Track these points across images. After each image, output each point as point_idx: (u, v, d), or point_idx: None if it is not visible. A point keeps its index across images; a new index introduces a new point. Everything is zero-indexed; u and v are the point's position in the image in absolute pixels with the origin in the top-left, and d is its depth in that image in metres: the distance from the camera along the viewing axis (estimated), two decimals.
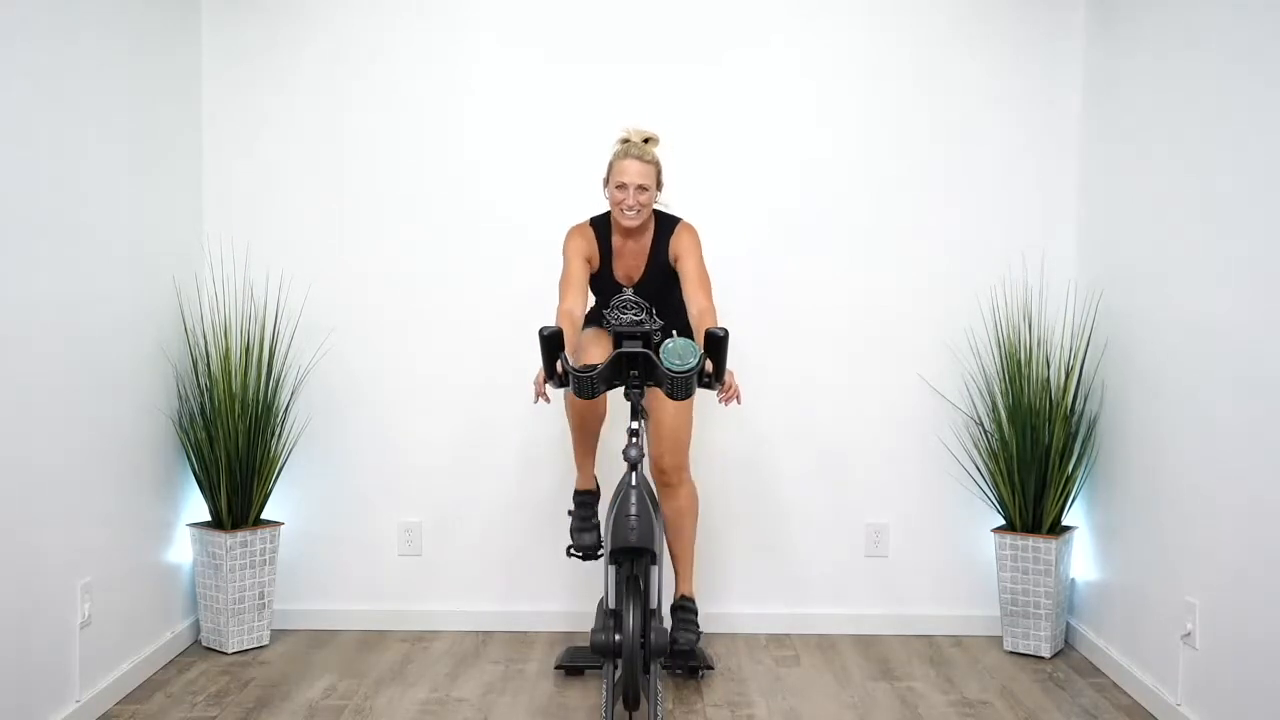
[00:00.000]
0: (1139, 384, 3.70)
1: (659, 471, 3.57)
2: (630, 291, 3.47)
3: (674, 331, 3.58)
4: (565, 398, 3.59)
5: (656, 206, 3.55)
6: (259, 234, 4.19)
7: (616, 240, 3.57)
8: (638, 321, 3.16)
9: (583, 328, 3.57)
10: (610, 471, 3.82)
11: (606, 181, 3.51)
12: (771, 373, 4.19)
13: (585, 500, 3.77)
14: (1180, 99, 3.46)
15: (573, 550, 3.75)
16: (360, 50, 4.19)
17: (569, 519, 3.80)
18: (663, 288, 3.58)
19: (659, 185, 3.51)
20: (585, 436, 3.67)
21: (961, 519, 4.27)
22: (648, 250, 3.57)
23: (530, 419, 4.20)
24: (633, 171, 3.43)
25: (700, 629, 3.71)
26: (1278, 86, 2.95)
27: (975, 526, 4.26)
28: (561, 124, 4.20)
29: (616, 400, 3.66)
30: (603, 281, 3.60)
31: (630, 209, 3.45)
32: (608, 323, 3.19)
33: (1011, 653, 4.05)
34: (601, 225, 3.59)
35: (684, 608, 3.68)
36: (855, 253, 4.24)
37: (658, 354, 3.13)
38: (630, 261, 3.59)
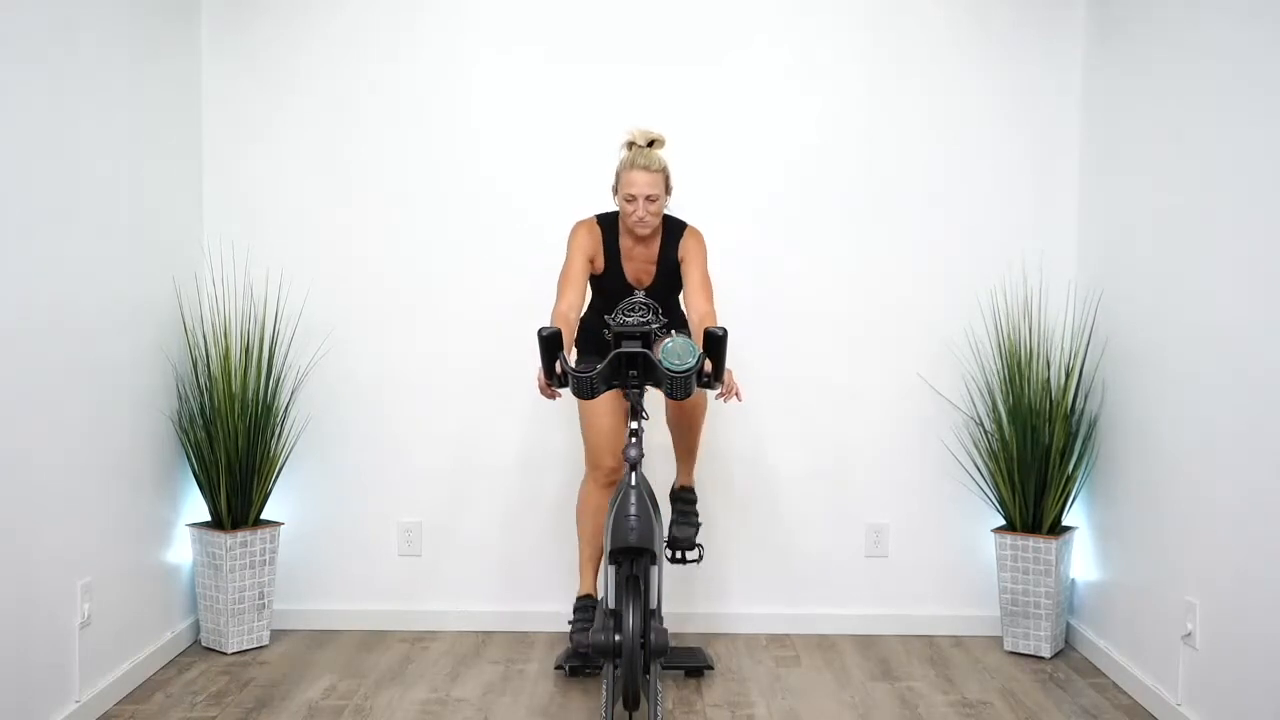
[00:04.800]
0: (1139, 384, 3.70)
1: (675, 405, 3.55)
2: (642, 294, 3.46)
3: (673, 331, 3.58)
4: (577, 503, 3.63)
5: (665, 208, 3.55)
6: (259, 234, 4.19)
7: (625, 242, 3.57)
8: (644, 322, 3.16)
9: (578, 332, 3.56)
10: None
11: (615, 190, 3.51)
12: (772, 373, 4.19)
13: (585, 605, 3.65)
14: (1180, 99, 3.46)
15: (570, 655, 3.67)
16: (361, 50, 4.20)
17: (571, 619, 3.72)
18: (671, 289, 3.60)
19: (668, 190, 3.50)
20: (592, 540, 3.61)
21: (961, 519, 4.27)
22: (657, 253, 3.57)
23: (530, 419, 4.21)
24: (641, 183, 3.42)
25: (700, 521, 3.82)
26: (1276, 87, 2.94)
27: (975, 526, 4.26)
28: (564, 125, 4.20)
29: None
30: (613, 283, 3.59)
31: (641, 220, 3.45)
32: (609, 326, 3.19)
33: (1011, 653, 4.05)
34: (608, 225, 3.58)
35: (684, 499, 3.79)
36: (855, 253, 4.24)
37: (656, 351, 3.13)
38: (640, 264, 3.59)
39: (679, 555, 3.84)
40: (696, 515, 3.85)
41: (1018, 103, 4.22)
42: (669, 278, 3.59)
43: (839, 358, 4.26)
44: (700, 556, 3.85)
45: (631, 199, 3.44)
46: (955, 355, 4.25)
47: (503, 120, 4.21)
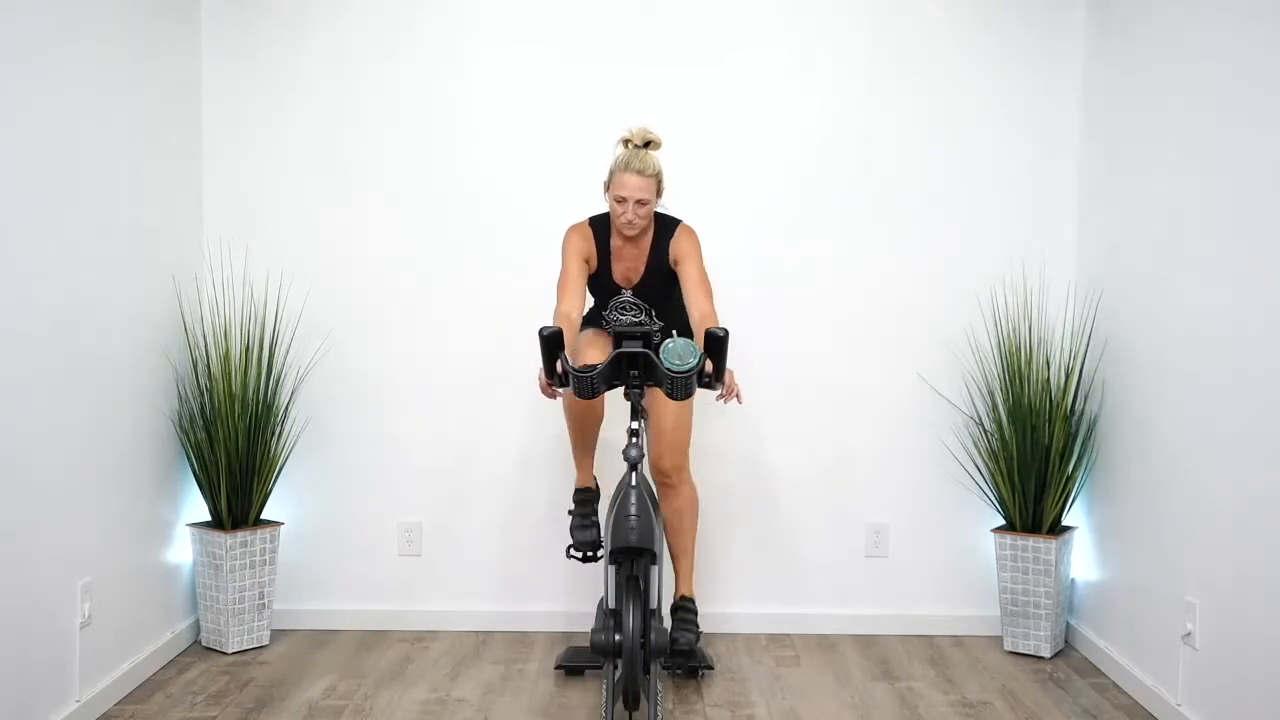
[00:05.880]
0: (1139, 384, 3.70)
1: (659, 472, 3.57)
2: (629, 293, 3.46)
3: (674, 332, 3.58)
4: (564, 398, 3.59)
5: (656, 208, 3.55)
6: (259, 234, 4.19)
7: (616, 242, 3.57)
8: (638, 322, 3.16)
9: (580, 329, 3.57)
10: (610, 471, 3.82)
11: (607, 187, 3.51)
12: (772, 373, 4.19)
13: (585, 498, 3.76)
14: (1180, 99, 3.46)
15: (572, 550, 3.74)
16: (360, 50, 4.19)
17: (569, 519, 3.79)
18: (662, 289, 3.58)
19: (659, 193, 3.50)
20: (583, 436, 3.67)
21: (961, 519, 4.27)
22: (647, 252, 3.56)
23: (530, 419, 4.21)
24: (633, 186, 3.41)
25: (700, 630, 3.71)
26: (1276, 87, 2.95)
27: (975, 526, 4.26)
28: (564, 125, 4.20)
29: (615, 401, 3.66)
30: (601, 283, 3.60)
31: (629, 222, 3.45)
32: (607, 324, 3.19)
33: (1011, 653, 4.05)
34: (601, 226, 3.58)
35: (684, 609, 3.68)
36: (855, 253, 4.24)
37: (657, 354, 3.13)
38: (629, 264, 3.58)
39: (682, 669, 3.70)
40: (697, 626, 3.68)
41: (1018, 103, 4.22)
42: (659, 276, 3.57)
43: (839, 358, 4.26)
44: (711, 666, 3.78)
45: (622, 201, 3.43)
46: (955, 355, 4.25)
47: (503, 120, 4.21)
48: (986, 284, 4.22)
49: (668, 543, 3.66)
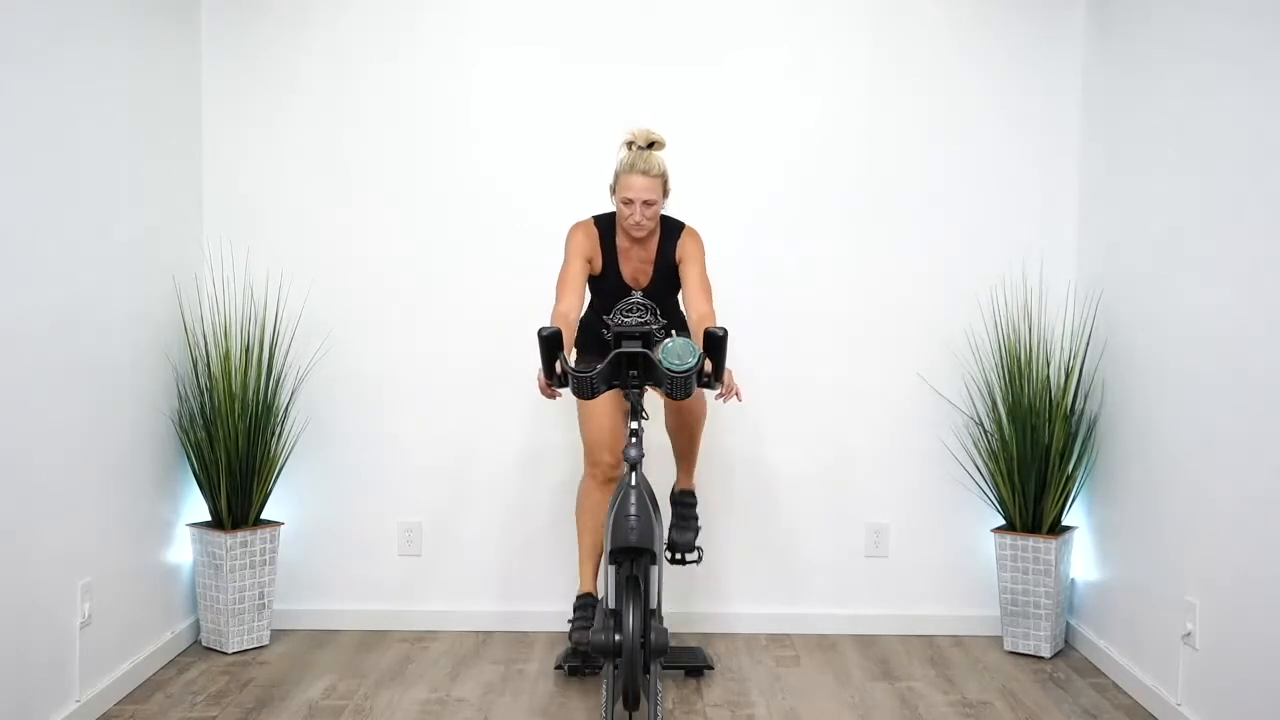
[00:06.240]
0: (1139, 384, 3.70)
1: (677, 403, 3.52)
2: (639, 295, 3.45)
3: (673, 331, 3.58)
4: (578, 506, 3.57)
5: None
6: (259, 234, 4.19)
7: (622, 242, 3.57)
8: (644, 322, 3.16)
9: (578, 334, 3.56)
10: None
11: (613, 190, 3.51)
12: (772, 373, 4.19)
13: (585, 603, 3.58)
14: (1179, 99, 3.46)
15: (570, 654, 3.52)
16: (361, 50, 4.20)
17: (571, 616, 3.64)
18: (669, 290, 3.60)
19: (665, 193, 3.50)
20: (594, 536, 3.56)
21: (961, 519, 4.27)
22: (654, 254, 3.57)
23: (530, 419, 4.21)
24: (639, 187, 3.42)
25: (700, 525, 3.84)
26: (1276, 87, 2.95)
27: (975, 526, 4.26)
28: (564, 124, 4.20)
29: None
30: (609, 284, 3.59)
31: (637, 224, 3.45)
32: (607, 328, 3.19)
33: (1011, 653, 4.05)
34: (606, 226, 3.58)
35: (684, 503, 3.80)
36: (855, 253, 4.25)
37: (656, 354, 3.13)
38: (637, 265, 3.58)
39: (678, 557, 3.86)
40: (696, 519, 3.87)
41: (1018, 103, 4.22)
42: (667, 278, 3.58)
43: (839, 358, 4.26)
44: (700, 558, 3.86)
45: (629, 202, 3.43)
46: (955, 355, 4.25)
47: (503, 120, 4.22)
48: (986, 284, 4.22)
49: (676, 452, 3.77)
